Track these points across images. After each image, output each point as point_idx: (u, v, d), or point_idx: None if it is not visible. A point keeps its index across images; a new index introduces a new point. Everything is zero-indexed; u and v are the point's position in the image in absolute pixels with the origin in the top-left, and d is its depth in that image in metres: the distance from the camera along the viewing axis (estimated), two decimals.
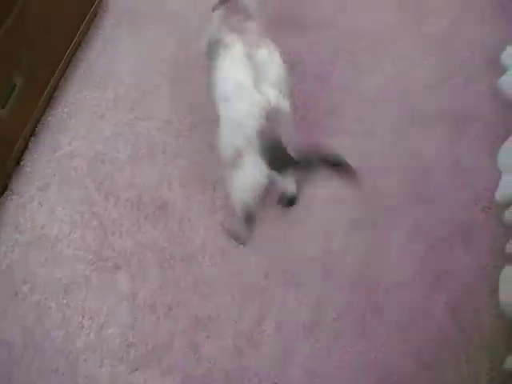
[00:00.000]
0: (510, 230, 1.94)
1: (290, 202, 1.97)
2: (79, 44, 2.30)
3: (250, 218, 1.84)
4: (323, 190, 1.98)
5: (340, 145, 2.03)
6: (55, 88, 2.20)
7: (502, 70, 2.27)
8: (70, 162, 2.06)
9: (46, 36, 2.00)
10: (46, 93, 2.10)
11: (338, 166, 1.61)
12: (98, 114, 2.16)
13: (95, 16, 2.39)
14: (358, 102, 2.20)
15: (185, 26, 2.40)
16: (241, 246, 1.93)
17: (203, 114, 2.15)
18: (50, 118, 2.16)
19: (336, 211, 1.96)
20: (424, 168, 2.05)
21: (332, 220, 1.95)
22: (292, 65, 2.19)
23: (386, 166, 2.04)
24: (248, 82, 1.63)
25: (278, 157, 1.59)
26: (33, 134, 2.10)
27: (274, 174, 1.62)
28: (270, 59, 1.69)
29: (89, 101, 2.20)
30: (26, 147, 2.07)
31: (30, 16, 1.86)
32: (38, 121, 2.13)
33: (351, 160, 1.97)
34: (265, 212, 1.93)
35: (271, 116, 1.59)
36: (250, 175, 1.66)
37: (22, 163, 2.04)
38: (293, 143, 1.63)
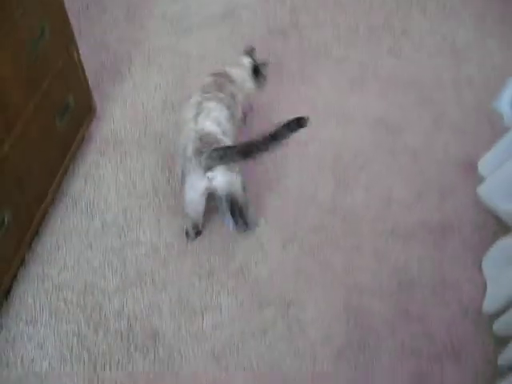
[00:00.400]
0: (501, 341, 1.94)
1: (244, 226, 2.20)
2: (65, 173, 2.35)
3: (195, 226, 2.19)
4: (309, 311, 2.00)
5: (328, 259, 2.08)
6: (43, 218, 2.22)
7: (480, 178, 2.33)
8: (59, 294, 2.07)
9: (33, 170, 2.05)
10: (34, 224, 2.12)
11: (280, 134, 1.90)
12: (86, 243, 2.19)
13: (81, 145, 2.45)
14: (342, 218, 2.26)
15: (168, 148, 2.49)
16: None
17: (191, 243, 2.18)
18: (38, 248, 2.18)
19: (323, 332, 1.96)
20: (409, 283, 2.08)
21: (320, 341, 1.96)
22: (277, 185, 2.27)
23: (371, 284, 2.07)
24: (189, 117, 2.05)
25: (216, 153, 1.89)
26: (22, 265, 2.11)
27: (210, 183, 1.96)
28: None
29: (77, 229, 2.22)
30: (14, 279, 2.08)
31: (17, 153, 1.91)
32: (27, 252, 2.14)
33: (339, 278, 2.02)
34: (248, 331, 1.94)
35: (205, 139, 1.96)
36: (189, 193, 2.02)
37: (10, 296, 2.04)
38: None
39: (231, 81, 2.23)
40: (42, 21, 1.99)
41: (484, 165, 2.34)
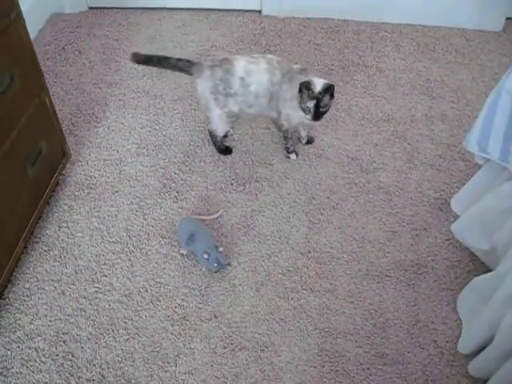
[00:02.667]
0: (475, 382, 1.92)
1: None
2: (39, 219, 2.34)
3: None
4: (283, 355, 1.98)
5: (302, 303, 2.06)
6: (16, 265, 2.21)
7: (454, 216, 2.33)
8: (31, 343, 2.04)
9: (4, 217, 2.06)
10: (6, 271, 2.10)
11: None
12: (59, 290, 2.17)
13: (54, 190, 2.44)
14: (316, 259, 2.26)
15: (142, 191, 2.50)
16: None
17: (164, 287, 2.17)
18: (10, 296, 2.16)
19: (297, 377, 1.95)
20: (384, 325, 2.06)
21: None
22: (250, 226, 2.27)
23: (346, 327, 2.06)
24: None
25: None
26: None
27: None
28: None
29: (50, 276, 2.21)
30: None
31: None
32: None
33: (314, 321, 2.00)
34: (221, 376, 1.92)
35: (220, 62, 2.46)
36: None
37: None
38: None
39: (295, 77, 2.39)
40: (11, 68, 1.99)
41: (457, 202, 2.34)
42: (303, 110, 2.33)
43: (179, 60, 2.48)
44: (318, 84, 2.30)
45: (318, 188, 2.48)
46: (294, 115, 2.42)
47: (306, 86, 2.28)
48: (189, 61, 2.47)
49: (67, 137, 2.55)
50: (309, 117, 2.34)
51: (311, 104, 2.30)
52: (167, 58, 2.50)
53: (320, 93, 2.28)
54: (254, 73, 2.37)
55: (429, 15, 3.36)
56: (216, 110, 2.45)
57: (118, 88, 2.98)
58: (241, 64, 2.38)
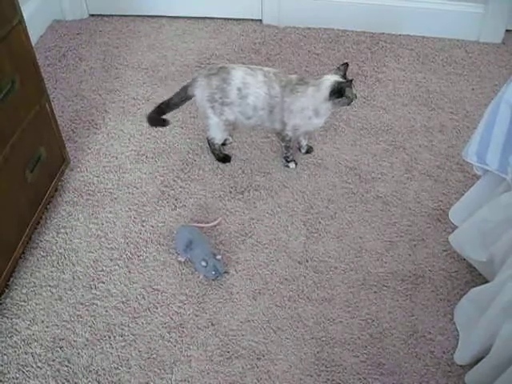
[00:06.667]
0: None
1: None
2: (37, 224, 2.34)
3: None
4: (279, 364, 1.97)
5: (299, 311, 2.06)
6: (13, 270, 2.21)
7: (452, 227, 2.33)
8: (27, 348, 2.04)
9: (2, 222, 2.07)
10: (3, 276, 2.10)
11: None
12: (56, 296, 2.17)
13: (53, 196, 2.44)
14: (314, 268, 2.27)
15: (140, 198, 2.51)
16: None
17: (161, 295, 2.16)
18: (7, 301, 2.15)
19: None
20: (381, 335, 2.06)
21: None
22: (247, 234, 2.28)
23: (343, 336, 2.06)
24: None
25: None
26: None
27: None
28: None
29: (47, 282, 2.21)
30: None
31: None
32: None
33: (311, 330, 2.00)
34: None
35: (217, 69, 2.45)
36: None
37: None
38: None
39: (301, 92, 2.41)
40: (12, 74, 2.00)
41: (455, 213, 2.34)
42: (351, 101, 2.39)
43: (177, 94, 2.51)
44: (337, 77, 2.39)
45: (316, 197, 2.49)
46: (304, 125, 2.46)
47: (341, 86, 2.34)
48: (183, 88, 2.50)
49: (66, 143, 2.56)
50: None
51: (354, 90, 2.37)
52: (170, 100, 2.52)
53: (348, 79, 2.37)
54: (251, 85, 2.38)
55: (429, 26, 3.38)
56: (213, 118, 2.47)
57: (118, 95, 2.99)
58: (238, 74, 2.39)
